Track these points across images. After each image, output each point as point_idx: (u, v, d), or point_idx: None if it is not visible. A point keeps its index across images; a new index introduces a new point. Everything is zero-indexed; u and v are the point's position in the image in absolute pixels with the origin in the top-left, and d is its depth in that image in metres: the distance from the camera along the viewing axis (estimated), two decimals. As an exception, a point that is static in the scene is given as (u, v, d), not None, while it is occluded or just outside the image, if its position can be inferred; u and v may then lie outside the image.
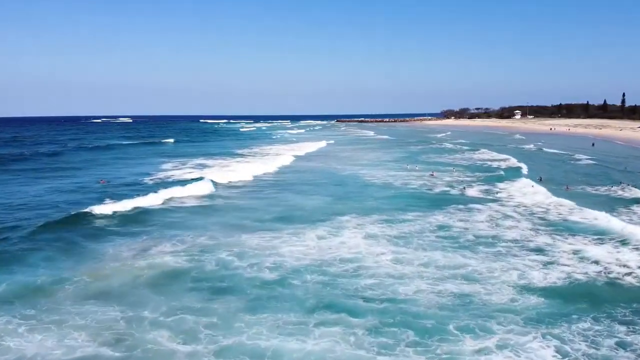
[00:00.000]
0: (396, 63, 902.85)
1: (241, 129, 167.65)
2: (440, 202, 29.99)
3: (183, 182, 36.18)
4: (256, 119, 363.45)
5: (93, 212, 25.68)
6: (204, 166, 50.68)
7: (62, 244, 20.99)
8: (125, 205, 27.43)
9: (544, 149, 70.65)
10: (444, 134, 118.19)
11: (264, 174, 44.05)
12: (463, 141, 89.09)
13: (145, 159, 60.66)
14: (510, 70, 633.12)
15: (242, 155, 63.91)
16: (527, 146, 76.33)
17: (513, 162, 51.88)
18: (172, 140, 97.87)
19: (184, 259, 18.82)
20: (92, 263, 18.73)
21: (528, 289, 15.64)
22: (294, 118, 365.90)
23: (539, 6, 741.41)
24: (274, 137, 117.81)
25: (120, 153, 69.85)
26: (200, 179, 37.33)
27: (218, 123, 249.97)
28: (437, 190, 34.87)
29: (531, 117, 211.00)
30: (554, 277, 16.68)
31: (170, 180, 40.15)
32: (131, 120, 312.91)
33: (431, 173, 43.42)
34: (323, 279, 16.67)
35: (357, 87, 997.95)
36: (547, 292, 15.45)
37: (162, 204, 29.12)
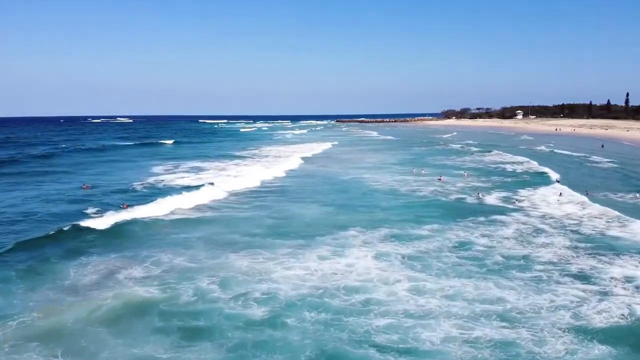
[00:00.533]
0: (396, 63, 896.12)
1: (241, 130, 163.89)
2: (456, 211, 26.72)
3: (172, 189, 33.17)
4: (256, 119, 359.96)
5: (65, 228, 22.47)
6: (199, 170, 47.50)
7: (22, 266, 17.94)
8: (103, 218, 24.33)
9: (556, 150, 67.44)
10: (449, 135, 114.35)
11: (266, 179, 40.50)
12: (470, 142, 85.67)
13: (138, 161, 57.47)
14: (510, 70, 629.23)
15: (241, 157, 60.71)
16: (539, 147, 72.98)
17: (533, 165, 48.11)
18: (170, 141, 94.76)
19: (155, 287, 15.59)
20: (49, 291, 15.69)
21: (586, 332, 12.39)
22: (294, 118, 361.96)
23: (539, 6, 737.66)
24: (275, 138, 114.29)
25: (115, 155, 66.73)
26: (195, 186, 34.09)
27: (217, 123, 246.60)
28: (451, 197, 31.54)
29: (533, 117, 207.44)
30: (615, 315, 13.37)
31: (159, 186, 37.02)
32: (131, 121, 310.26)
33: (438, 177, 40.16)
34: (325, 317, 13.42)
35: (357, 87, 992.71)
36: (610, 336, 12.20)
37: (144, 214, 25.73)
